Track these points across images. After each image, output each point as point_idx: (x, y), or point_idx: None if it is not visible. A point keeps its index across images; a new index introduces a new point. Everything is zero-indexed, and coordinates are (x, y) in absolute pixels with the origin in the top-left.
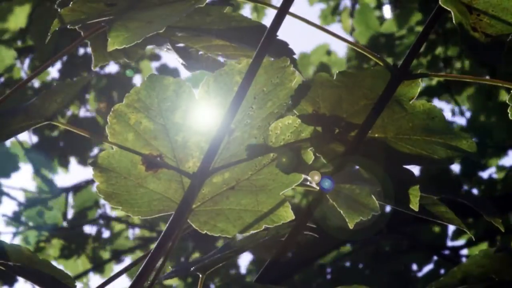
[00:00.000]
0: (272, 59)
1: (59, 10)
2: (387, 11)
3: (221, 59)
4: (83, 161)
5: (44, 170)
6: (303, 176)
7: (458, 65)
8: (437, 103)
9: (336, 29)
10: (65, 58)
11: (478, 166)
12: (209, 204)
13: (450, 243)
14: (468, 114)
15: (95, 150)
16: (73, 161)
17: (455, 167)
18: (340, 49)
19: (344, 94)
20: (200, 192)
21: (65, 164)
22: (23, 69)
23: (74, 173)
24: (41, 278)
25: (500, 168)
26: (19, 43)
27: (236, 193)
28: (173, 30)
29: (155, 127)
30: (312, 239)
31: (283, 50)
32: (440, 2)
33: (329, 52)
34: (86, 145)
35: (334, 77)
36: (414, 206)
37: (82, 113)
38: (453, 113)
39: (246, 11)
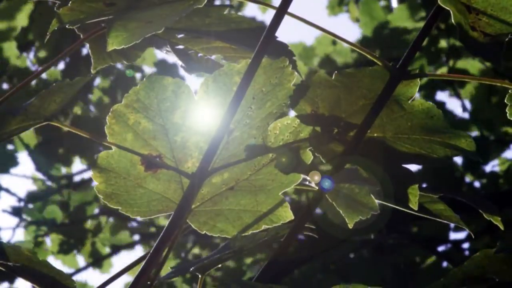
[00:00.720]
0: (271, 59)
1: (56, 10)
2: (394, 2)
3: (220, 60)
4: (87, 160)
5: (46, 167)
6: (302, 176)
7: (460, 58)
8: (439, 95)
9: (344, 18)
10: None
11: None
12: (209, 205)
13: (452, 236)
14: (470, 107)
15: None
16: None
17: (458, 160)
18: (347, 37)
19: (343, 94)
20: (199, 193)
21: (67, 163)
22: (28, 58)
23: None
24: (41, 279)
25: (503, 161)
26: (21, 41)
27: (235, 193)
28: (172, 32)
29: (154, 127)
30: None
31: (283, 51)
32: (439, 2)
33: (334, 42)
34: (89, 143)
35: (333, 77)
36: (413, 205)
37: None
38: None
39: (252, 6)
